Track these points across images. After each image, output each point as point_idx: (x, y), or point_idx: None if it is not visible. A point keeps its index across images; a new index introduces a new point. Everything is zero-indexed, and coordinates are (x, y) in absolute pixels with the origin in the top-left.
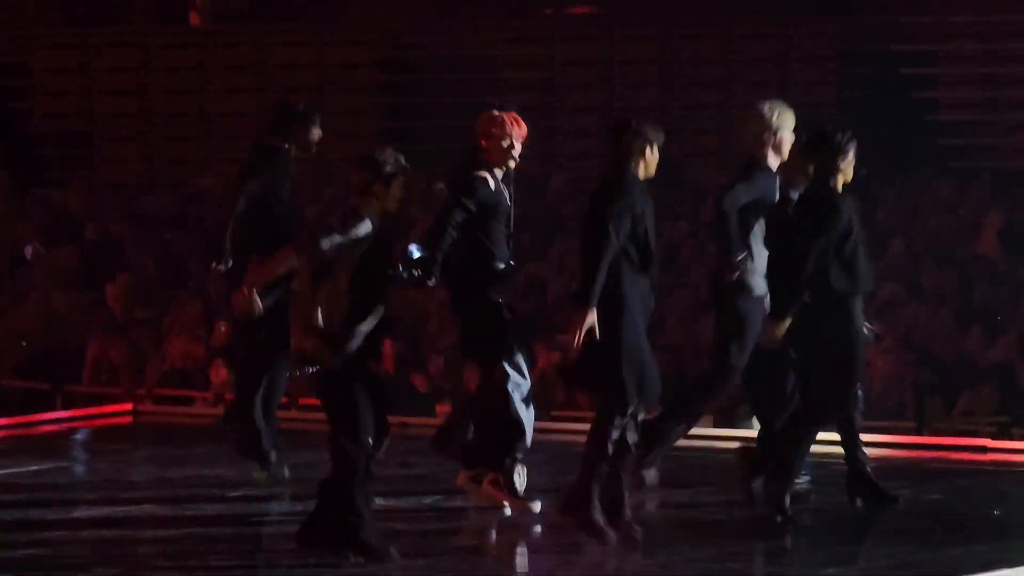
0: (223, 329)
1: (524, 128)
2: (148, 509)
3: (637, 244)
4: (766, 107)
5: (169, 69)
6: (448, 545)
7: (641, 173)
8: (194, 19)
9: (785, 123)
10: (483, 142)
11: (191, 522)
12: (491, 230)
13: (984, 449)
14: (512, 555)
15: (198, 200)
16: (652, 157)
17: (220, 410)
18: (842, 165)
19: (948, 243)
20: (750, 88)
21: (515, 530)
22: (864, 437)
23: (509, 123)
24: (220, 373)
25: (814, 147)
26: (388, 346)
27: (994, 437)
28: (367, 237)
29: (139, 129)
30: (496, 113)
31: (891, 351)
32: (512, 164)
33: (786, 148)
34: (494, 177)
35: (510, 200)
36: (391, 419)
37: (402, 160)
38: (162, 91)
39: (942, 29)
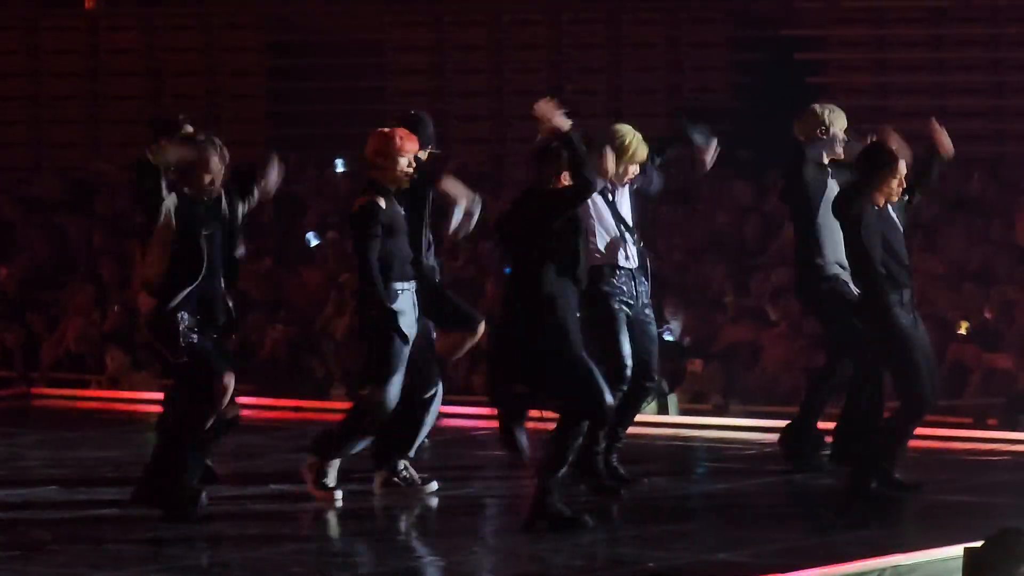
0: (116, 312)
1: (415, 142)
2: (42, 492)
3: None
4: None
5: (58, 52)
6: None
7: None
8: (89, 2)
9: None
10: (377, 160)
11: (85, 505)
12: (388, 251)
13: None
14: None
15: (89, 184)
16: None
17: (114, 393)
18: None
19: None
20: (640, 73)
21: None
22: (757, 423)
23: (399, 141)
24: (116, 357)
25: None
26: (279, 330)
27: None
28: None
29: (27, 112)
30: (387, 131)
31: (784, 336)
32: (407, 183)
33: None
34: (389, 197)
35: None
36: (284, 401)
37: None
38: (51, 74)
39: (833, 14)
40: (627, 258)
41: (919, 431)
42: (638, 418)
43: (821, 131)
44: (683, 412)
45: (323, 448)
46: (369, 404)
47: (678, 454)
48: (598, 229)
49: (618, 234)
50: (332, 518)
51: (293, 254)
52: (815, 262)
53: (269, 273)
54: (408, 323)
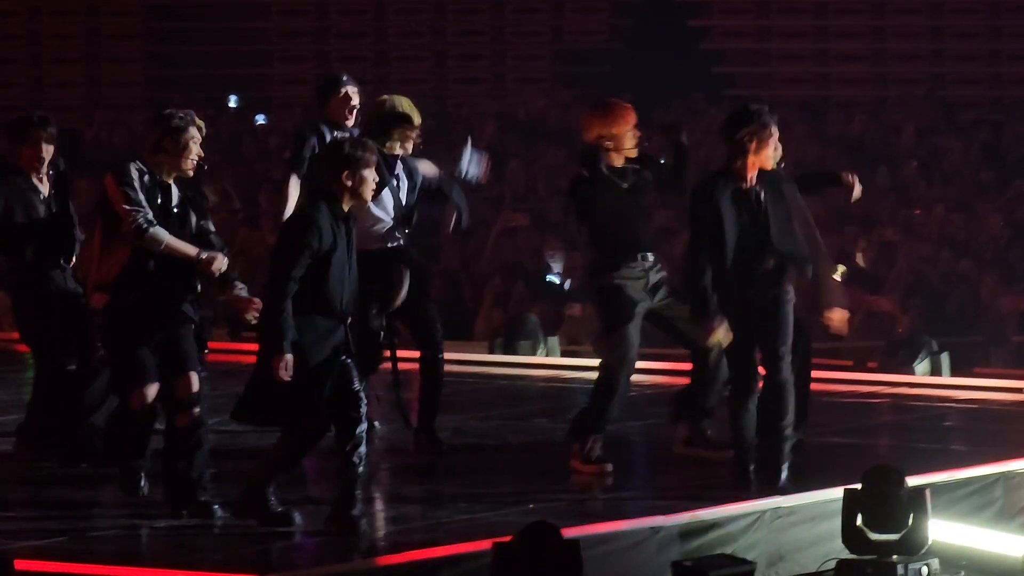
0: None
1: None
2: None
3: None
4: None
5: None
6: None
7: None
8: None
9: None
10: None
11: None
12: None
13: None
14: None
15: None
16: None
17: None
18: None
19: None
20: (521, 15)
21: None
22: (641, 364)
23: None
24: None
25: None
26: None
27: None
28: None
29: None
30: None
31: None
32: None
33: None
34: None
35: None
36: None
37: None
38: None
39: None
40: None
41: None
42: (520, 360)
43: None
44: (563, 354)
45: (581, 429)
46: (610, 364)
47: (555, 395)
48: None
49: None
50: None
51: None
52: None
53: None
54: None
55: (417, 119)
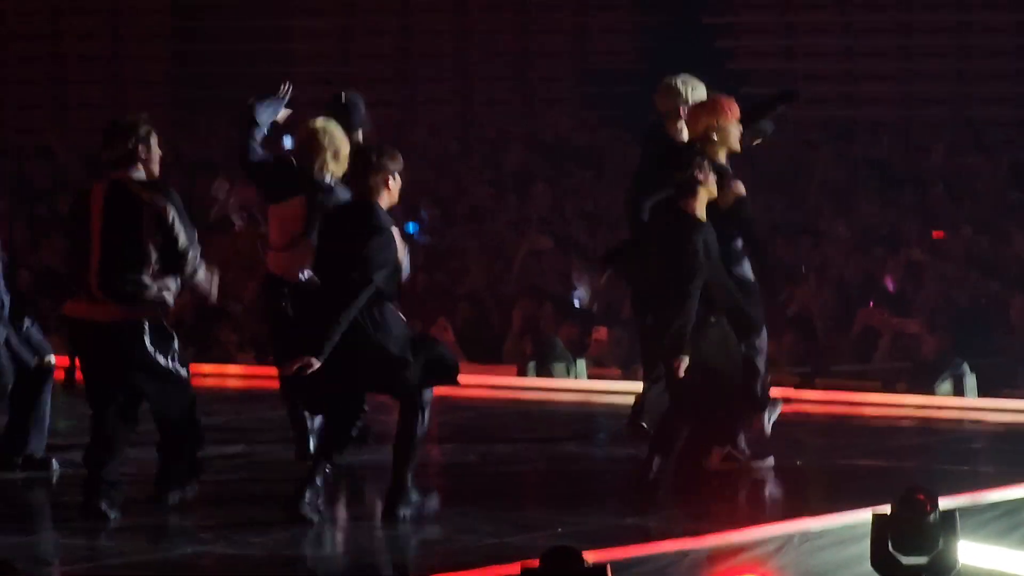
0: (24, 278)
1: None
2: None
3: None
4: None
5: None
6: None
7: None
8: None
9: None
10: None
11: None
12: None
13: (787, 399)
14: None
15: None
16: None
17: None
18: None
19: None
20: (546, 36)
21: None
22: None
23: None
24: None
25: None
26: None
27: (797, 387)
28: None
29: None
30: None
31: None
32: None
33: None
34: None
35: None
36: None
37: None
38: None
39: None
40: None
41: (828, 396)
42: (546, 384)
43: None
44: (590, 377)
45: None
46: None
47: (584, 418)
48: None
49: None
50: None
51: (203, 218)
52: None
53: None
54: None
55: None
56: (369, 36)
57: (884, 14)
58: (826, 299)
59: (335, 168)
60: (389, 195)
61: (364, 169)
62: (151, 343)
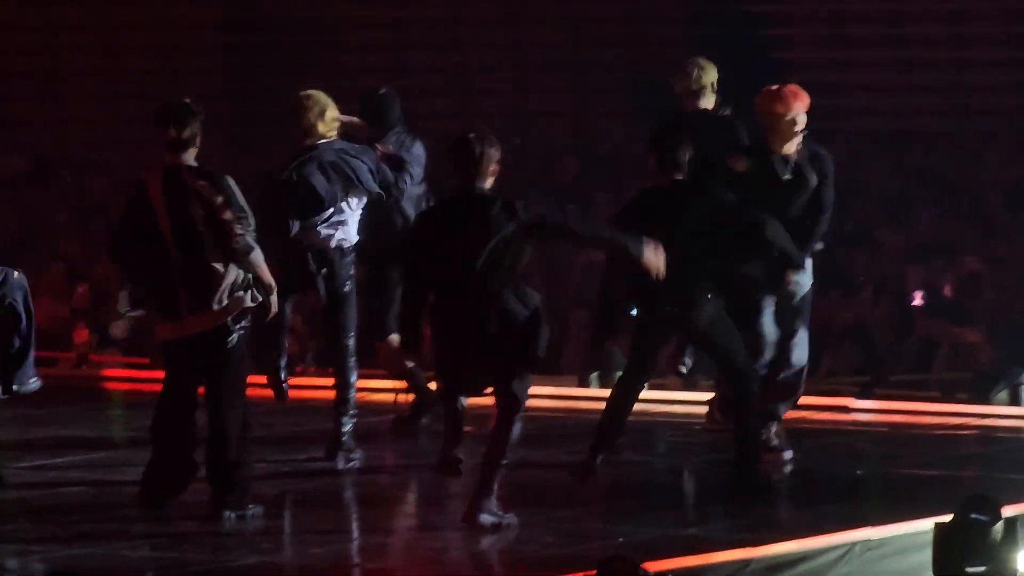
0: (83, 291)
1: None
2: (11, 470)
3: None
4: None
5: (13, 29)
6: None
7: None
8: None
9: None
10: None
11: (53, 483)
12: None
13: (847, 409)
14: None
15: (59, 162)
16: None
17: (82, 371)
18: None
19: None
20: (599, 49)
21: None
22: None
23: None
24: (82, 334)
25: None
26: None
27: (856, 397)
28: None
29: None
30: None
31: None
32: None
33: None
34: None
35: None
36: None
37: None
38: (6, 52)
39: None
40: None
41: (887, 406)
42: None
43: None
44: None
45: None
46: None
47: (645, 428)
48: None
49: None
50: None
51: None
52: None
53: None
54: None
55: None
56: (423, 51)
57: (937, 26)
58: (884, 309)
59: (323, 129)
60: (492, 183)
61: (480, 158)
62: (232, 346)
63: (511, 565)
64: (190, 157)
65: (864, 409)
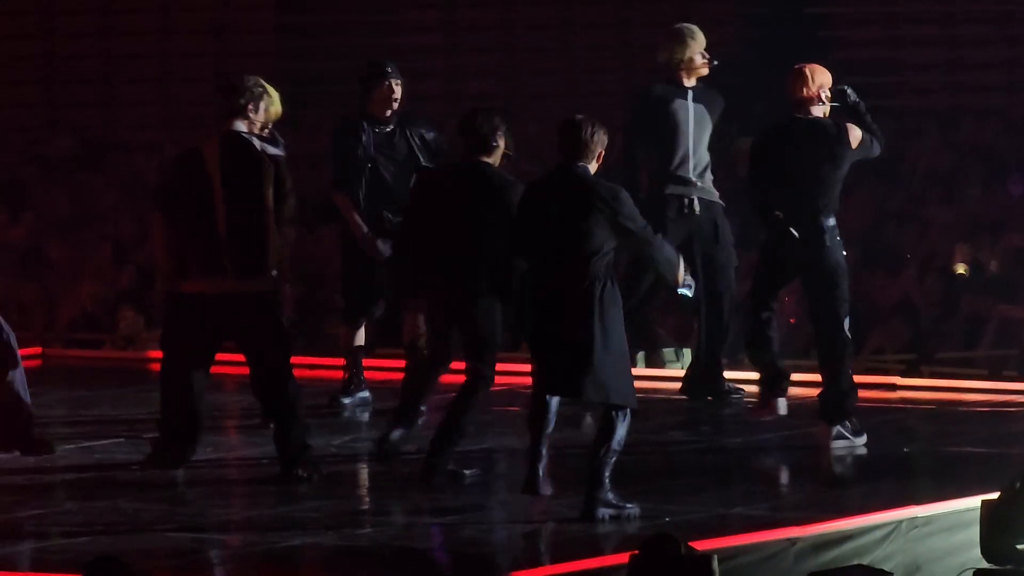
0: (130, 272)
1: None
2: (60, 450)
3: None
4: None
5: (70, 11)
6: None
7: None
8: None
9: None
10: None
11: (100, 464)
12: None
13: (894, 387)
14: None
15: (109, 145)
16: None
17: (128, 353)
18: None
19: None
20: (648, 28)
21: None
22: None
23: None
24: (126, 316)
25: None
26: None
27: (903, 375)
28: None
29: (41, 72)
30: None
31: (798, 290)
32: None
33: None
34: None
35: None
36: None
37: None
38: (64, 34)
39: None
40: None
41: (934, 383)
42: (651, 373)
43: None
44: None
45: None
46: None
47: (690, 408)
48: None
49: None
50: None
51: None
52: None
53: None
54: None
55: None
56: (474, 33)
57: (986, 2)
58: (930, 286)
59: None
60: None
61: (590, 137)
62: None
63: (558, 545)
64: (243, 126)
65: (911, 387)
